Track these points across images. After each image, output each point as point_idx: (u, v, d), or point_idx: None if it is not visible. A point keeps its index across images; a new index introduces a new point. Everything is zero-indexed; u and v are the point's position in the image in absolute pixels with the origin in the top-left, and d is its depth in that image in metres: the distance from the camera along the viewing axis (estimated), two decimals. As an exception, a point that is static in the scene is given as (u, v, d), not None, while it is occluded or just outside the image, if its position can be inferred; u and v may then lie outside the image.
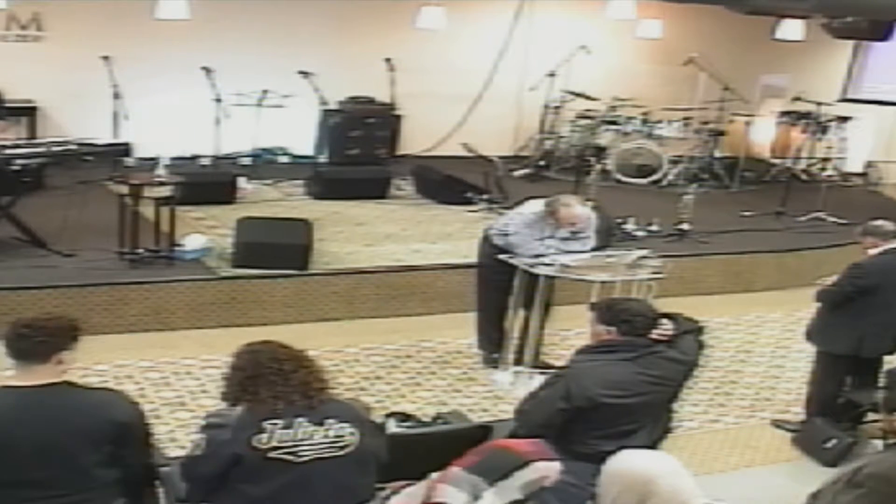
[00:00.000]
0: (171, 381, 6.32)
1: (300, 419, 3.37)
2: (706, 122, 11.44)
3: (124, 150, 7.95)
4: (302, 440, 3.36)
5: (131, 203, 7.19)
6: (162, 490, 4.01)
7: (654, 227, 9.14)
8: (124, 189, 7.19)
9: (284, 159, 10.76)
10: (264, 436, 3.32)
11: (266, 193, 9.62)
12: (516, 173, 10.84)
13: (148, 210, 7.36)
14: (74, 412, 3.38)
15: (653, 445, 4.23)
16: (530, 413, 4.33)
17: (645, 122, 11.24)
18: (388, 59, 10.74)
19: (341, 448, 3.42)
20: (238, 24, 10.04)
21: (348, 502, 3.49)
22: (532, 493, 3.42)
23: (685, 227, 9.09)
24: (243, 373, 3.44)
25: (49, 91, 9.52)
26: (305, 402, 3.40)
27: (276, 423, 3.33)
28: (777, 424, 6.40)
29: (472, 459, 3.45)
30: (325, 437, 3.39)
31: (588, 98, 11.23)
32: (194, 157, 9.93)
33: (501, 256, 6.52)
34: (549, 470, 3.49)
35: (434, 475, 3.52)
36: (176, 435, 5.61)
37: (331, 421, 3.42)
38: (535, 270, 6.39)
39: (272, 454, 3.32)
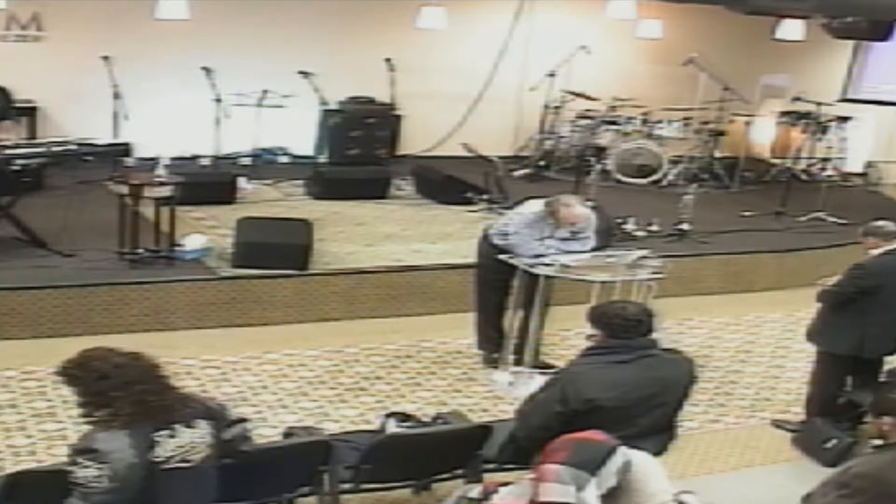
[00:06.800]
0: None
1: (177, 425, 3.39)
2: (706, 122, 11.43)
3: (124, 150, 7.95)
4: (188, 444, 3.40)
5: (131, 203, 7.18)
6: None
7: (654, 227, 9.13)
8: (124, 189, 7.19)
9: (284, 159, 10.76)
10: (158, 449, 3.31)
11: (266, 193, 9.61)
12: (516, 173, 10.83)
13: (148, 210, 7.36)
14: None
15: (656, 447, 4.22)
16: (529, 415, 4.32)
17: (645, 122, 11.23)
18: (388, 59, 10.74)
19: (208, 445, 3.49)
20: (238, 24, 10.04)
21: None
22: (622, 477, 3.57)
23: (685, 227, 9.08)
24: (111, 383, 3.34)
25: (49, 91, 9.52)
26: (175, 408, 3.41)
27: (162, 434, 3.33)
28: (777, 424, 6.40)
29: (562, 455, 3.57)
30: (200, 437, 3.45)
31: (588, 98, 11.22)
32: (194, 157, 9.93)
33: (501, 256, 6.52)
34: (632, 454, 3.65)
35: (530, 474, 3.71)
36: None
37: (197, 421, 3.47)
38: (535, 270, 6.40)
39: (167, 465, 3.33)
